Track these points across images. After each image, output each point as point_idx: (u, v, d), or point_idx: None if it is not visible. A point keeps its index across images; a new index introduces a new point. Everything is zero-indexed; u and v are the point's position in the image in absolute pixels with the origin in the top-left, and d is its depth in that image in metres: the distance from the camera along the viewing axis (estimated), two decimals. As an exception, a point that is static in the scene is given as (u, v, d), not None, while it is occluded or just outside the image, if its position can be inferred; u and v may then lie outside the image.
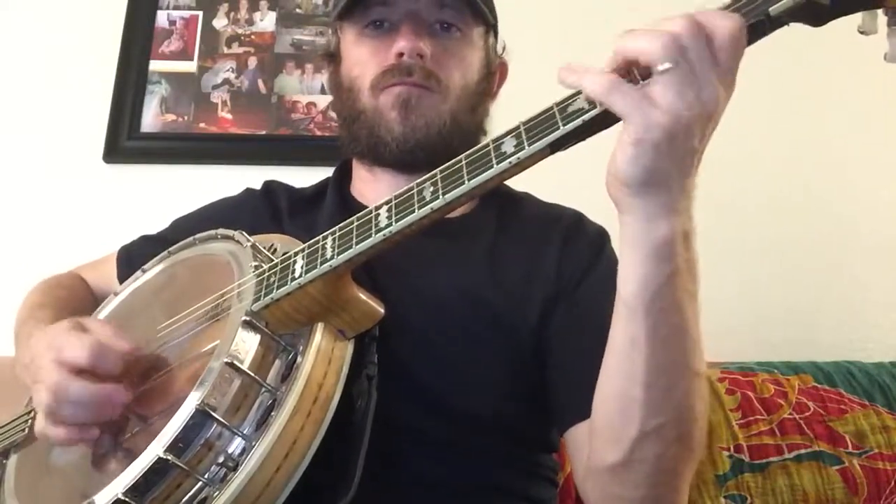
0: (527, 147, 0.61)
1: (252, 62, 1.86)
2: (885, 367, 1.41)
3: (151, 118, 1.83)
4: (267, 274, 0.75)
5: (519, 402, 0.88)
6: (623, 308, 0.65)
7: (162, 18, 1.90)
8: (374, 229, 0.68)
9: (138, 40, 1.87)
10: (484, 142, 0.65)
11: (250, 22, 1.90)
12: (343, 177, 1.08)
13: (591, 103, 0.59)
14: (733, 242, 1.61)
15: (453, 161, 0.66)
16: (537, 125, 0.61)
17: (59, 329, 0.77)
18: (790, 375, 1.38)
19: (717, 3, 0.60)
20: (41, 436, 0.74)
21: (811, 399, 1.34)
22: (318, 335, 0.71)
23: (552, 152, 0.61)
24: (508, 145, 0.62)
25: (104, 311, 0.95)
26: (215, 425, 0.66)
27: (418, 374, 0.83)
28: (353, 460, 0.69)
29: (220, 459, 0.66)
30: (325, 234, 0.73)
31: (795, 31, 0.59)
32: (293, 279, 0.71)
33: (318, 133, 1.81)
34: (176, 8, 1.91)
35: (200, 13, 1.91)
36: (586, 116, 0.59)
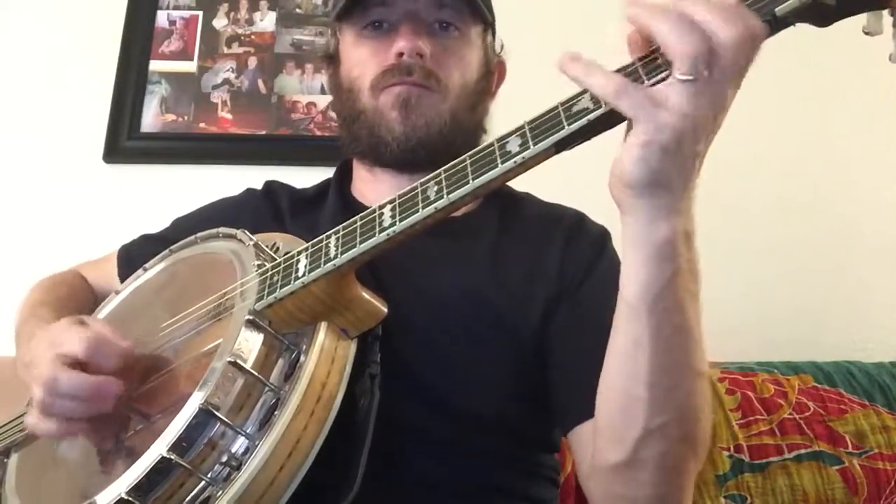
0: (532, 147, 0.60)
1: (252, 62, 1.86)
2: (885, 367, 1.41)
3: (151, 118, 1.83)
4: (270, 273, 0.75)
5: (521, 401, 0.88)
6: (625, 308, 0.65)
7: (162, 18, 1.90)
8: (377, 229, 0.68)
9: (138, 40, 1.87)
10: (487, 141, 0.65)
11: (250, 22, 1.90)
12: (343, 177, 1.08)
13: (597, 102, 0.59)
14: (737, 243, 1.61)
15: (457, 161, 0.66)
16: (542, 125, 0.61)
17: (60, 326, 0.77)
18: (790, 375, 1.38)
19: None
20: (30, 430, 0.75)
21: (811, 399, 1.34)
22: (322, 334, 0.71)
23: (557, 152, 0.61)
24: (513, 145, 0.62)
25: (105, 310, 0.94)
26: (218, 424, 0.66)
27: (421, 373, 0.83)
28: (356, 459, 0.69)
29: (224, 459, 0.66)
30: (328, 233, 0.73)
31: (801, 32, 0.59)
32: (297, 278, 0.71)
33: (318, 133, 1.81)
34: (176, 8, 1.91)
35: (200, 13, 1.91)
36: (591, 116, 0.59)
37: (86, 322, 0.77)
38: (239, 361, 0.67)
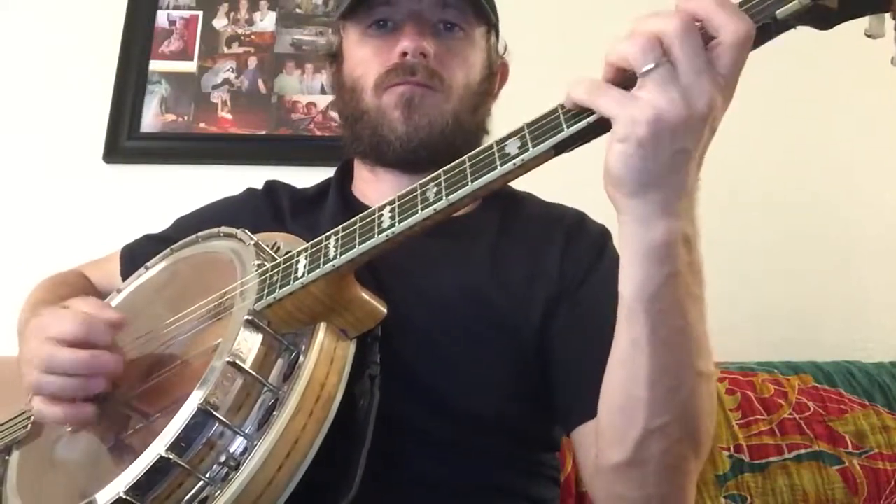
0: (531, 149, 0.60)
1: (252, 62, 1.86)
2: (885, 367, 1.41)
3: (151, 118, 1.83)
4: (270, 273, 0.75)
5: (522, 401, 0.88)
6: (623, 309, 0.65)
7: (162, 18, 1.90)
8: (377, 229, 0.68)
9: (138, 40, 1.87)
10: (487, 142, 0.65)
11: (250, 22, 1.90)
12: (344, 177, 1.08)
13: None
14: (738, 243, 1.61)
15: (457, 162, 0.66)
16: (541, 127, 0.61)
17: (46, 314, 0.78)
18: (790, 375, 1.39)
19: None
20: (38, 416, 0.75)
21: (811, 399, 1.34)
22: (321, 335, 0.71)
23: (556, 154, 0.61)
24: (512, 147, 0.62)
25: (106, 309, 0.95)
26: (217, 424, 0.66)
27: (421, 373, 0.83)
28: (355, 460, 0.69)
29: (222, 459, 0.66)
30: (328, 233, 0.73)
31: (802, 34, 0.58)
32: (296, 278, 0.71)
33: (318, 133, 1.81)
34: (176, 8, 1.91)
35: (200, 13, 1.91)
36: (591, 118, 0.58)
37: (69, 304, 0.77)
38: (238, 361, 0.67)
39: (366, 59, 0.98)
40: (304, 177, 1.19)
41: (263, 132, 1.82)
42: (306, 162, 1.70)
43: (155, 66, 1.86)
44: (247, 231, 0.85)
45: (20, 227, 1.76)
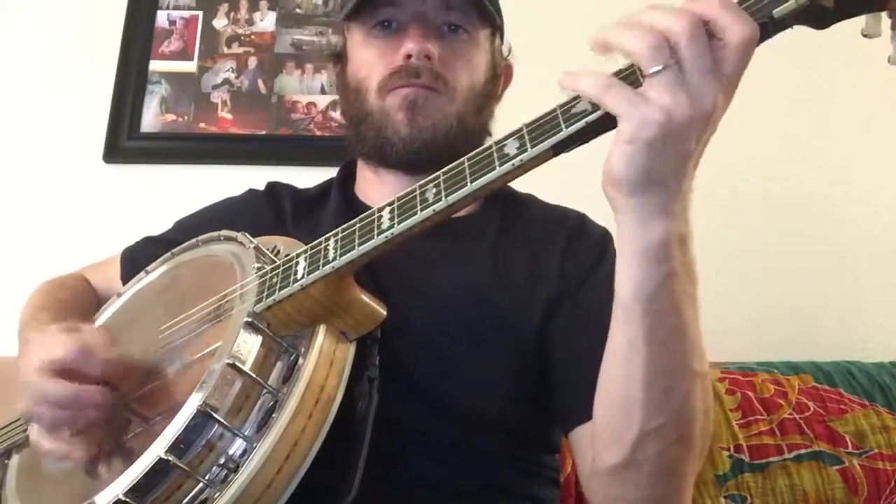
0: (529, 149, 0.60)
1: (252, 62, 1.86)
2: (885, 367, 1.41)
3: (151, 118, 1.83)
4: (269, 275, 0.75)
5: (522, 402, 0.88)
6: (620, 309, 0.65)
7: (162, 18, 1.90)
8: (376, 231, 0.68)
9: (138, 40, 1.87)
10: (487, 143, 0.65)
11: (250, 22, 1.89)
12: (347, 178, 1.08)
13: (594, 105, 0.59)
14: (735, 243, 1.61)
15: (456, 163, 0.66)
16: (540, 127, 0.61)
17: (48, 333, 0.77)
18: (790, 375, 1.38)
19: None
20: (35, 447, 0.75)
21: (811, 399, 1.34)
22: (320, 337, 0.71)
23: (555, 154, 0.61)
24: (511, 147, 0.62)
25: (107, 313, 0.95)
26: (216, 426, 0.66)
27: (420, 374, 0.83)
28: (354, 462, 0.69)
29: (221, 461, 0.66)
30: (327, 235, 0.73)
31: (799, 33, 0.58)
32: (295, 280, 0.71)
33: (318, 133, 1.81)
34: (176, 8, 1.91)
35: (200, 13, 1.91)
36: (589, 118, 0.59)
37: (76, 329, 0.77)
38: (237, 363, 0.67)
39: (370, 60, 0.98)
40: (304, 177, 1.19)
41: (263, 132, 1.82)
42: (306, 162, 1.70)
43: (155, 66, 1.86)
44: (247, 234, 0.85)
45: (20, 227, 1.75)
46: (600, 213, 0.92)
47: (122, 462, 0.69)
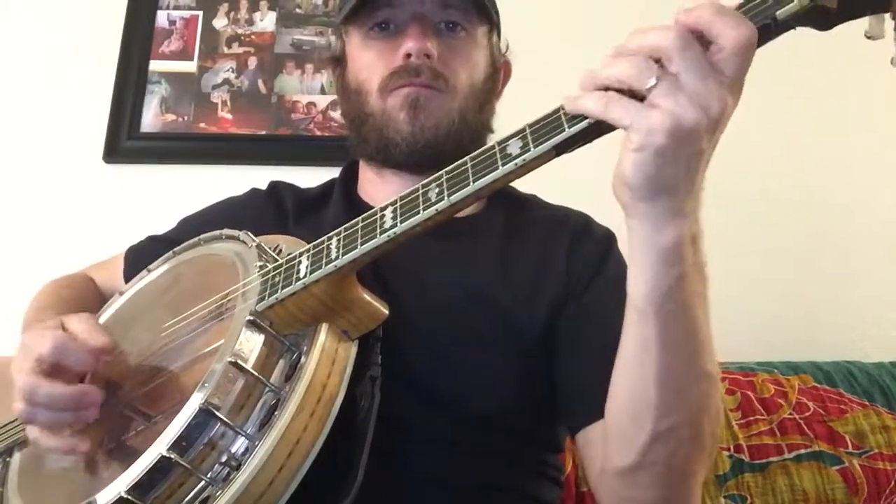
0: (532, 149, 0.61)
1: (252, 62, 1.86)
2: (885, 367, 1.42)
3: (151, 118, 1.83)
4: (272, 274, 0.75)
5: (526, 401, 0.88)
6: (633, 312, 0.65)
7: (162, 18, 1.90)
8: (378, 230, 0.68)
9: (138, 40, 1.87)
10: (490, 143, 0.65)
11: (250, 22, 1.90)
12: (350, 178, 1.08)
13: None
14: (737, 242, 1.61)
15: (459, 162, 0.66)
16: (543, 127, 0.61)
17: (36, 331, 0.76)
18: (790, 375, 1.39)
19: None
20: (34, 445, 0.74)
21: (811, 399, 1.34)
22: (323, 335, 0.71)
23: (557, 154, 0.61)
24: (514, 147, 0.62)
25: (108, 311, 0.95)
26: (218, 424, 0.66)
27: (423, 373, 0.83)
28: (356, 460, 0.70)
29: (223, 459, 0.66)
30: (330, 234, 0.73)
31: (803, 35, 0.59)
32: (298, 279, 0.71)
33: (318, 133, 1.81)
34: (176, 8, 1.91)
35: (200, 13, 1.91)
36: (592, 119, 0.59)
37: (63, 323, 0.76)
38: (239, 362, 0.67)
39: (370, 62, 0.98)
40: (305, 177, 1.19)
41: (263, 132, 1.82)
42: (306, 162, 1.70)
43: (155, 66, 1.86)
44: (249, 233, 0.85)
45: (20, 227, 1.75)
46: (603, 213, 0.93)
47: (124, 460, 0.69)
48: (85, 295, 1.05)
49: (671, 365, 0.65)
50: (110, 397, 0.76)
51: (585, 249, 0.94)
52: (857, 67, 1.52)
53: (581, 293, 0.89)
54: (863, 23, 0.58)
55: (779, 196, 1.72)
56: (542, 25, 1.74)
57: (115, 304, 0.95)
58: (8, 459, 0.84)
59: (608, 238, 0.97)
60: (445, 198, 0.64)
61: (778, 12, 0.56)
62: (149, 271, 0.95)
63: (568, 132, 0.59)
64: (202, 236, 0.92)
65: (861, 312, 1.67)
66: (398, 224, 0.67)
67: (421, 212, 0.66)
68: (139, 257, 1.04)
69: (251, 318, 0.70)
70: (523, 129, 0.63)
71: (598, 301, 0.87)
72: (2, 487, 0.81)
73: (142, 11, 1.89)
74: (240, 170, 1.74)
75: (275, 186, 1.10)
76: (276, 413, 0.66)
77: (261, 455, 0.63)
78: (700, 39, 0.56)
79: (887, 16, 0.57)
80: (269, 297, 0.72)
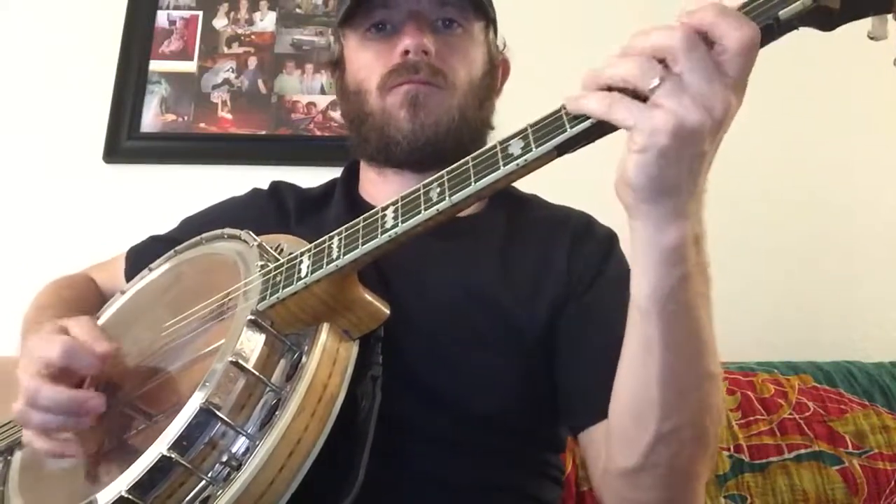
0: (534, 149, 0.60)
1: (252, 62, 1.86)
2: (885, 367, 1.42)
3: (151, 118, 1.83)
4: (273, 273, 0.75)
5: (527, 401, 0.88)
6: (636, 312, 0.65)
7: (162, 18, 1.90)
8: (380, 230, 0.68)
9: (138, 40, 1.87)
10: (492, 139, 0.65)
11: (250, 22, 1.90)
12: (351, 178, 1.08)
13: None
14: (736, 242, 1.61)
15: (460, 162, 0.66)
16: (544, 127, 0.61)
17: (41, 334, 0.76)
18: (790, 375, 1.39)
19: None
20: (29, 445, 0.74)
21: (811, 399, 1.34)
22: (324, 335, 0.71)
23: (559, 155, 0.61)
24: (515, 147, 0.62)
25: (110, 310, 0.95)
26: (219, 424, 0.66)
27: (424, 373, 0.83)
28: (357, 460, 0.69)
29: (224, 458, 0.66)
30: (331, 234, 0.73)
31: (805, 35, 0.59)
32: (299, 279, 0.71)
33: (318, 133, 1.81)
34: (176, 8, 1.91)
35: (200, 13, 1.91)
36: (594, 119, 0.59)
37: (66, 327, 0.76)
38: (240, 361, 0.67)
39: (368, 62, 0.98)
40: (305, 177, 1.19)
41: (263, 132, 1.82)
42: (306, 162, 1.70)
43: (155, 66, 1.86)
44: (250, 232, 0.85)
45: (20, 227, 1.75)
46: (604, 213, 0.93)
47: (125, 459, 0.68)
48: (85, 295, 1.05)
49: (674, 366, 0.65)
50: (111, 397, 0.75)
51: (587, 249, 0.94)
52: (859, 68, 1.52)
53: (582, 293, 0.89)
54: (866, 23, 0.58)
55: (781, 196, 1.72)
56: (541, 24, 1.74)
57: (116, 302, 0.95)
58: (9, 458, 0.84)
59: (610, 238, 0.97)
60: (447, 198, 0.64)
61: (781, 13, 0.56)
62: (150, 270, 0.95)
63: (570, 132, 0.59)
64: (204, 235, 0.92)
65: (863, 313, 1.67)
66: (399, 224, 0.67)
67: (422, 211, 0.66)
68: (140, 257, 1.04)
69: (252, 317, 0.70)
70: (525, 129, 0.63)
71: (599, 301, 0.87)
72: (2, 486, 0.81)
73: (142, 11, 1.89)
74: (240, 170, 1.74)
75: (276, 186, 1.11)
76: (276, 413, 0.66)
77: (261, 455, 0.63)
78: (704, 40, 0.56)
79: (890, 17, 0.57)
80: (270, 296, 0.72)
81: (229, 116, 1.82)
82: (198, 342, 0.77)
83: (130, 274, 1.03)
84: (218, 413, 0.65)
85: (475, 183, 0.63)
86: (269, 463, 0.64)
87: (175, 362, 0.77)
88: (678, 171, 0.57)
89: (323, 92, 1.83)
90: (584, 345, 0.85)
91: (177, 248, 0.94)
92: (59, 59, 1.86)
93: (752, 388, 1.36)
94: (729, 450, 1.29)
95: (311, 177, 1.17)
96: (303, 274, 0.72)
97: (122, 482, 0.64)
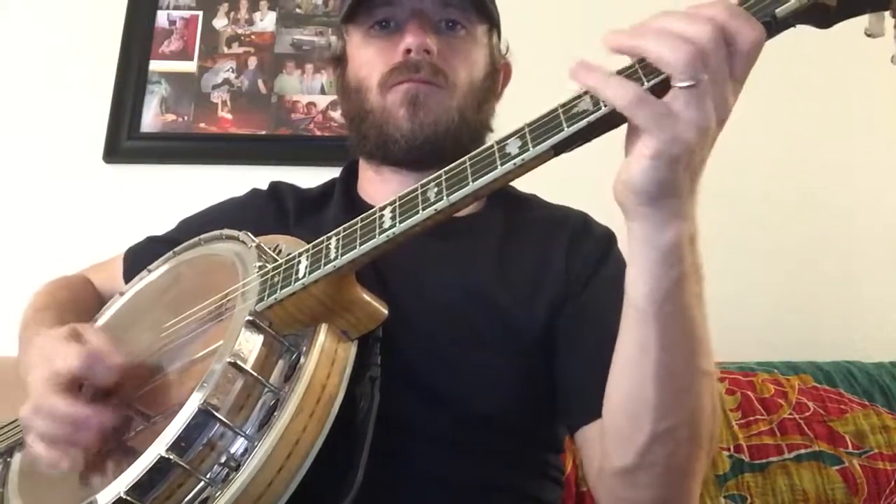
0: (531, 148, 0.61)
1: (252, 62, 1.86)
2: (885, 367, 1.41)
3: (151, 118, 1.83)
4: (271, 274, 0.75)
5: (526, 401, 0.87)
6: (633, 312, 0.65)
7: (162, 18, 1.90)
8: (377, 230, 0.68)
9: (138, 40, 1.87)
10: (489, 142, 0.65)
11: (250, 22, 1.90)
12: (350, 177, 1.08)
13: (596, 104, 0.59)
14: (737, 242, 1.61)
15: (458, 162, 0.66)
16: (541, 126, 0.61)
17: (55, 339, 0.76)
18: (790, 375, 1.39)
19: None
20: (31, 452, 0.74)
21: (811, 399, 1.34)
22: (322, 336, 0.71)
23: (556, 154, 0.61)
24: (513, 146, 0.62)
25: (108, 312, 0.95)
26: (218, 425, 0.66)
27: (423, 373, 0.83)
28: (356, 461, 0.69)
29: (223, 459, 0.66)
30: (329, 234, 0.73)
31: (801, 32, 0.59)
32: (297, 279, 0.71)
33: (318, 133, 1.81)
34: (176, 8, 1.91)
35: (200, 13, 1.91)
36: (591, 118, 0.59)
37: (80, 334, 0.76)
38: (239, 362, 0.67)
39: (370, 59, 0.98)
40: (305, 177, 1.19)
41: (263, 132, 1.82)
42: (306, 162, 1.70)
43: (155, 66, 1.86)
44: (249, 233, 0.85)
45: (20, 227, 1.76)
46: (602, 212, 0.93)
47: (124, 460, 0.69)
48: (83, 297, 1.05)
49: (669, 365, 0.65)
50: (110, 398, 0.75)
51: (585, 249, 0.94)
52: (857, 66, 1.51)
53: (580, 292, 0.89)
54: (863, 20, 0.58)
55: (781, 197, 1.72)
56: (541, 26, 1.74)
57: (115, 304, 0.95)
58: (9, 460, 0.84)
59: (608, 237, 0.97)
60: (444, 197, 0.64)
61: (778, 10, 0.56)
62: (149, 271, 0.95)
63: (567, 132, 0.59)
64: (202, 236, 0.92)
65: (864, 314, 1.67)
66: (397, 224, 0.67)
67: (420, 212, 0.66)
68: (138, 258, 1.04)
69: (250, 318, 0.70)
70: (522, 129, 0.63)
71: (596, 300, 0.87)
72: (2, 488, 0.81)
73: (142, 11, 1.89)
74: (240, 170, 1.75)
75: (275, 187, 1.10)
76: (275, 413, 0.66)
77: (260, 456, 0.63)
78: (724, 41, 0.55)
79: (887, 13, 0.57)
80: (268, 297, 0.72)
81: (229, 116, 1.83)
82: (196, 343, 0.77)
83: (128, 275, 1.03)
84: (216, 414, 0.65)
85: (473, 183, 0.63)
86: (267, 464, 0.64)
87: (174, 363, 0.77)
88: (683, 176, 0.58)
89: (323, 92, 1.83)
90: (580, 344, 0.85)
91: (175, 249, 0.94)
92: (59, 59, 1.87)
93: (752, 388, 1.36)
94: (729, 450, 1.29)
95: (310, 177, 1.17)
96: (301, 275, 0.72)
97: (121, 483, 0.64)
